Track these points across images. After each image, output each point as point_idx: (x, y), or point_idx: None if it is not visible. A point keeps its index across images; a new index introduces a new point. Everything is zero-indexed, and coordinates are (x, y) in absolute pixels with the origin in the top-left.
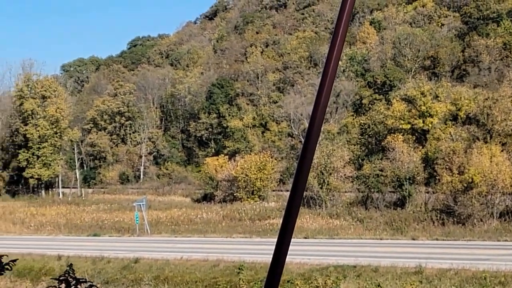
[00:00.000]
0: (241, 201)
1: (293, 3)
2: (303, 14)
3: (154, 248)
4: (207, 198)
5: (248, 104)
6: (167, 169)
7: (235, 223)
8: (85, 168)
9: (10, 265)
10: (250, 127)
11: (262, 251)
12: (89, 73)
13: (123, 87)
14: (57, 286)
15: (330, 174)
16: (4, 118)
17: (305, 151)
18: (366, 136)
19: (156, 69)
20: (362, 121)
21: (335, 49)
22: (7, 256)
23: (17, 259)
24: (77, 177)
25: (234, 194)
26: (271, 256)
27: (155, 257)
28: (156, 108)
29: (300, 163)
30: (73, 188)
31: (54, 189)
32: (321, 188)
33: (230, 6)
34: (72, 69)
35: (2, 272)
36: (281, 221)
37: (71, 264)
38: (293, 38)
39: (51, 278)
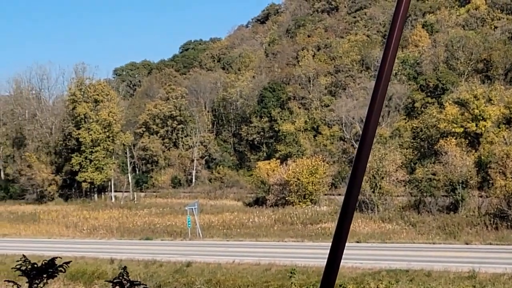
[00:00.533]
0: (293, 205)
1: (345, 7)
2: (355, 17)
3: (206, 252)
4: (259, 202)
5: (299, 107)
6: (219, 173)
7: (287, 227)
8: (137, 172)
9: (64, 267)
10: (302, 131)
11: (314, 255)
12: (141, 77)
13: (175, 91)
14: None
15: (383, 178)
16: (57, 122)
17: (360, 155)
18: (419, 139)
19: (208, 73)
20: (414, 125)
21: (390, 52)
22: (61, 258)
23: (71, 261)
24: (130, 181)
25: (286, 198)
26: (323, 260)
27: (207, 260)
28: (208, 112)
29: (354, 168)
30: (125, 192)
31: (106, 193)
32: (373, 192)
33: (282, 9)
34: (124, 73)
35: (56, 274)
36: (333, 225)
37: (125, 267)
38: (345, 42)
39: (105, 281)
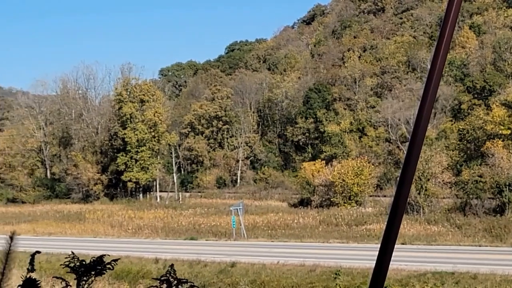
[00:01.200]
0: (338, 206)
1: (391, 8)
2: (401, 18)
3: (251, 253)
4: (303, 203)
5: (345, 109)
6: (263, 174)
7: (332, 228)
8: (182, 172)
9: (112, 264)
10: (347, 132)
11: (359, 256)
12: (187, 78)
13: (221, 92)
14: (158, 286)
15: (428, 179)
16: (103, 122)
17: (409, 157)
18: (465, 141)
19: (254, 74)
20: (460, 127)
21: (440, 55)
22: (109, 255)
23: (119, 258)
24: (175, 181)
25: (331, 199)
26: (368, 261)
27: (252, 261)
28: (253, 112)
29: (403, 170)
30: (170, 192)
31: (151, 192)
32: (419, 194)
33: (328, 10)
34: (170, 73)
35: (104, 272)
36: (378, 226)
37: (172, 265)
38: (391, 43)
39: (152, 278)
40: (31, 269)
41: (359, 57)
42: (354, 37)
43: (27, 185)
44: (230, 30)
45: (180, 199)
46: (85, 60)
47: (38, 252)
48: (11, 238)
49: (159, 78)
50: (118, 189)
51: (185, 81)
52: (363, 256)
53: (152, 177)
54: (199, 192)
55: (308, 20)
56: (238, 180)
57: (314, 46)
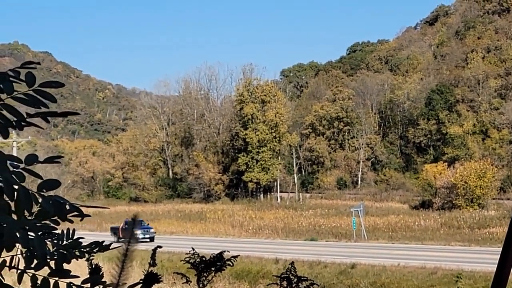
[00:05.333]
0: (460, 209)
1: None
2: None
3: (371, 254)
4: (425, 205)
5: (468, 110)
6: (384, 175)
7: (454, 231)
8: (303, 173)
9: (232, 261)
10: (470, 134)
11: (481, 260)
12: (308, 78)
13: (342, 93)
14: (279, 284)
15: None
16: (225, 122)
17: None
18: None
19: (375, 75)
20: None
21: None
22: (229, 252)
23: (239, 255)
24: (295, 181)
25: (453, 202)
26: (491, 265)
27: (372, 263)
28: (375, 113)
29: None
30: (291, 192)
31: (272, 193)
32: None
33: (451, 11)
34: (291, 74)
35: (224, 268)
36: (501, 230)
37: (292, 262)
38: None
39: (273, 276)
40: (153, 264)
41: (483, 58)
42: (478, 38)
43: (150, 184)
44: (352, 31)
45: (301, 199)
46: (207, 61)
47: (160, 247)
48: (133, 223)
49: (281, 79)
50: (239, 189)
51: (306, 82)
52: (486, 260)
53: (273, 177)
54: (319, 193)
55: (431, 21)
56: (359, 181)
57: (437, 47)
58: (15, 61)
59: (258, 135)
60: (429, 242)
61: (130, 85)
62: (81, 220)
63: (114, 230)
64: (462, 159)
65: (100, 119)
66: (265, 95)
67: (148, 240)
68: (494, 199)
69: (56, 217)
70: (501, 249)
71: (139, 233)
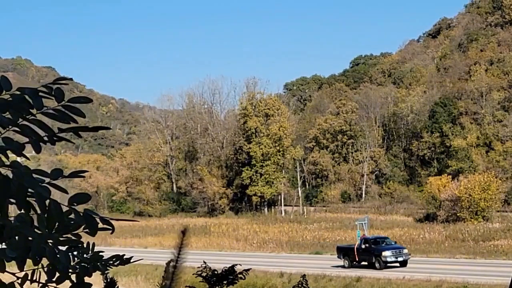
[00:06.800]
0: (464, 222)
1: None
2: None
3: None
4: (429, 218)
5: (471, 123)
6: (389, 188)
7: (458, 244)
8: (307, 186)
9: (244, 274)
10: (474, 146)
11: (486, 272)
12: (312, 92)
13: (346, 106)
14: None
15: None
16: (229, 136)
17: None
18: None
19: (379, 88)
20: None
21: None
22: (240, 265)
23: (250, 268)
24: (299, 195)
25: (457, 214)
26: (496, 278)
27: (377, 276)
28: (378, 126)
29: None
30: (295, 206)
31: (276, 207)
32: None
33: (454, 23)
34: (294, 87)
35: (236, 281)
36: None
37: (304, 275)
38: None
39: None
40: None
41: (486, 70)
42: (481, 50)
43: (154, 198)
44: (355, 44)
45: (305, 213)
46: (210, 75)
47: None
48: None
49: (284, 92)
50: (243, 203)
51: (310, 96)
52: (491, 272)
53: (277, 191)
54: (323, 206)
55: (434, 34)
56: (363, 195)
57: (440, 59)
58: (19, 76)
59: (262, 148)
60: (434, 255)
61: (134, 100)
62: (111, 233)
63: (344, 251)
64: (466, 171)
65: (104, 133)
66: (268, 109)
67: (398, 265)
68: (498, 211)
69: (76, 231)
70: (507, 261)
71: (388, 255)
